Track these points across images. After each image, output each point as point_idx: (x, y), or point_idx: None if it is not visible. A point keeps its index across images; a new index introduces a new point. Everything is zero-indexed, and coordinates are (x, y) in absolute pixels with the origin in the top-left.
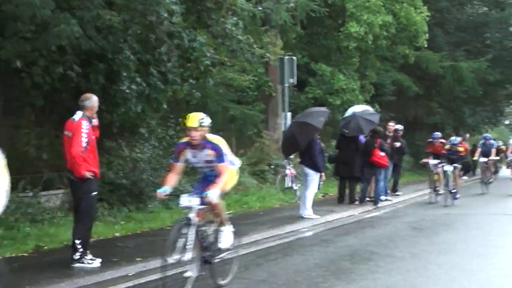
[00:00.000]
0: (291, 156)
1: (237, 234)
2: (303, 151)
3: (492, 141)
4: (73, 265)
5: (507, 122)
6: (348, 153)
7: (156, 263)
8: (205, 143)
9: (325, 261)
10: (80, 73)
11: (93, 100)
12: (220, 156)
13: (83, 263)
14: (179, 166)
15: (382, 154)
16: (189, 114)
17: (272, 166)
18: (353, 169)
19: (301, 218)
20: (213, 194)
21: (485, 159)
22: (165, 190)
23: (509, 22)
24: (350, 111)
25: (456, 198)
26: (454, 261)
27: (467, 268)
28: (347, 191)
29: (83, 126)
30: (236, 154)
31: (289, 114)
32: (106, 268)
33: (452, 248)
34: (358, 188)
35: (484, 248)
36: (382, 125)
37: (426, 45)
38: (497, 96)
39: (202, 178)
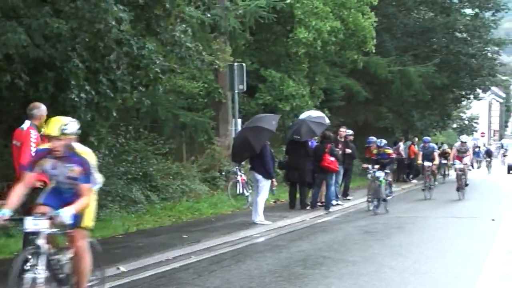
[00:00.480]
0: (242, 163)
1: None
2: (253, 157)
3: (431, 144)
4: (24, 276)
5: (454, 125)
6: (298, 159)
7: (108, 271)
8: (71, 156)
9: (278, 266)
10: (28, 82)
11: (41, 109)
12: (86, 176)
13: (34, 273)
14: (33, 177)
15: (332, 159)
16: (51, 119)
17: (223, 173)
18: (303, 174)
19: (253, 224)
20: (67, 213)
21: (429, 164)
22: (3, 213)
23: (454, 27)
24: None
25: (387, 209)
26: (407, 264)
27: (420, 271)
28: (298, 196)
29: (32, 135)
30: (187, 161)
31: (239, 121)
32: None
33: (404, 251)
34: (309, 193)
35: (436, 251)
36: (332, 130)
37: (374, 50)
38: (444, 100)
39: (52, 190)
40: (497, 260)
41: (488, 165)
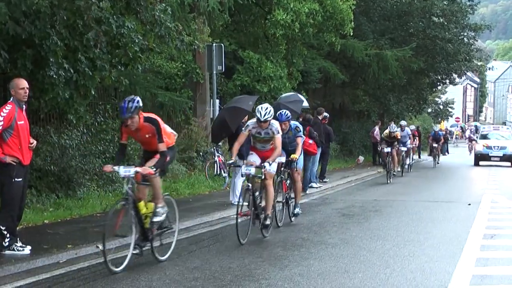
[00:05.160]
0: (220, 143)
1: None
2: (231, 138)
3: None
4: (3, 252)
5: (429, 110)
6: None
7: (87, 250)
8: None
9: (257, 247)
10: (7, 59)
11: (19, 83)
12: None
13: (13, 250)
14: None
15: (311, 142)
16: None
17: (201, 153)
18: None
19: (231, 205)
20: None
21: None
22: None
23: (431, 11)
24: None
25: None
26: (386, 247)
27: (399, 254)
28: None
29: (5, 109)
30: None
31: (217, 101)
32: (37, 255)
33: (383, 234)
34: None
35: (414, 234)
36: (310, 112)
37: (351, 33)
38: (420, 84)
39: None
40: (476, 244)
41: (435, 154)
